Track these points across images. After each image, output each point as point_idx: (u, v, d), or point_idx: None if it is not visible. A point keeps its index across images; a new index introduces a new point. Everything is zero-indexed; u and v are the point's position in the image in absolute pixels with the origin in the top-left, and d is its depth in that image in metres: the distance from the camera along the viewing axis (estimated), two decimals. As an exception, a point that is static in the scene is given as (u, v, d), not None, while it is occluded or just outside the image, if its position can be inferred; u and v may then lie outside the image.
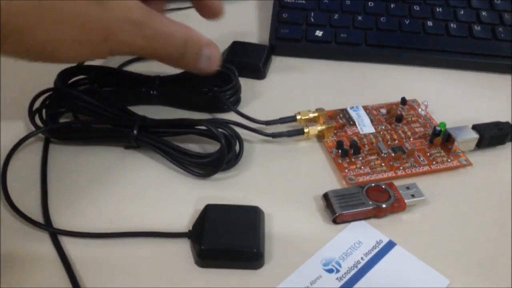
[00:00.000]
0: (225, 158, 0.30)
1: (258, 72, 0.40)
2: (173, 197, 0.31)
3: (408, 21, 0.45)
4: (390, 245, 0.28)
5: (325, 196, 0.30)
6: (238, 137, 0.32)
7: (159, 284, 0.26)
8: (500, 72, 0.42)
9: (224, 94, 0.35)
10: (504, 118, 0.36)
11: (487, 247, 0.28)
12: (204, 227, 0.27)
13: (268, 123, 0.34)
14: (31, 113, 0.33)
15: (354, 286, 0.26)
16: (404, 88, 0.40)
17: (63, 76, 0.35)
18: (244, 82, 0.38)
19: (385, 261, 0.28)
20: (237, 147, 0.32)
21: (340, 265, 0.27)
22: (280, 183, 0.32)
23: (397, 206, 0.29)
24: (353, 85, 0.40)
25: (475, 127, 0.34)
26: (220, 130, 0.31)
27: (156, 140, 0.32)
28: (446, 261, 0.28)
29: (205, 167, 0.31)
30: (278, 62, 0.43)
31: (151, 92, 0.36)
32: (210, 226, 0.27)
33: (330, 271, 0.27)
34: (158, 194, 0.31)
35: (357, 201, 0.29)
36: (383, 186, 0.30)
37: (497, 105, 0.39)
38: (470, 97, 0.40)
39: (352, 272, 0.27)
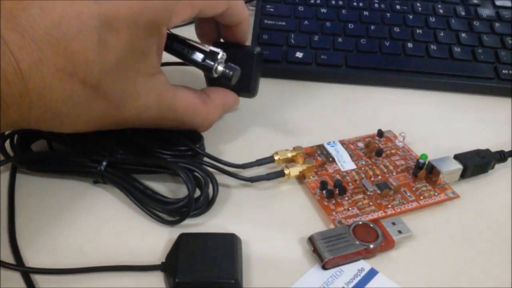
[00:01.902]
0: (192, 206, 0.29)
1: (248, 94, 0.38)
2: (146, 228, 0.30)
3: (388, 43, 0.46)
4: (372, 273, 0.28)
5: (311, 240, 0.28)
6: (212, 179, 0.31)
7: None
8: (479, 94, 0.44)
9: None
10: (482, 141, 0.36)
11: (472, 276, 0.28)
12: (178, 258, 0.26)
13: (244, 166, 0.33)
14: (1, 139, 0.32)
15: None
16: (383, 112, 0.41)
17: None
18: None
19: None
20: (212, 191, 0.31)
21: None
22: (261, 226, 0.30)
23: (386, 244, 0.29)
24: (333, 110, 0.41)
25: (457, 157, 0.34)
26: (190, 173, 0.29)
27: (122, 179, 0.30)
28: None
29: (171, 213, 0.30)
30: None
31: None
32: (184, 257, 0.26)
33: None
34: (130, 225, 0.30)
35: (345, 242, 0.28)
36: (370, 225, 0.29)
37: (475, 128, 0.40)
38: (448, 121, 0.40)
39: None
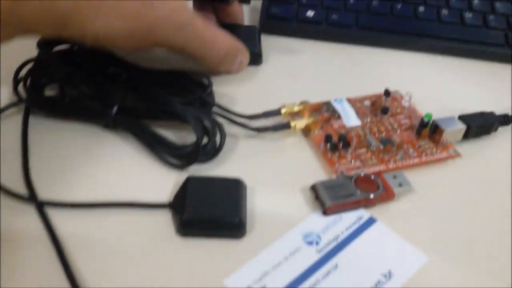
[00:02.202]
0: (199, 151, 0.30)
1: (255, 59, 0.40)
2: (154, 171, 0.31)
3: (400, 5, 0.46)
4: (370, 221, 0.29)
5: (314, 188, 0.29)
6: (220, 129, 0.31)
7: (142, 253, 0.26)
8: (488, 60, 0.44)
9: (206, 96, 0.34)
10: (488, 106, 0.37)
11: (469, 231, 0.29)
12: (186, 198, 0.27)
13: (252, 117, 0.34)
14: (16, 82, 0.33)
15: (333, 259, 0.27)
16: (391, 74, 0.41)
17: (45, 44, 0.34)
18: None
19: (365, 236, 0.28)
20: (219, 139, 0.32)
21: (320, 238, 0.28)
22: (265, 175, 0.31)
23: (386, 195, 0.30)
24: (341, 70, 0.41)
25: (461, 118, 0.35)
26: (199, 121, 0.30)
27: (133, 123, 0.31)
28: (426, 241, 0.28)
29: (179, 158, 0.31)
30: (267, 42, 0.43)
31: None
32: (191, 197, 0.28)
33: (309, 243, 0.28)
34: (140, 168, 0.31)
35: (347, 192, 0.29)
36: (372, 176, 0.30)
37: (482, 94, 0.40)
38: (455, 85, 0.41)
39: (332, 246, 0.27)
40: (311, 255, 0.27)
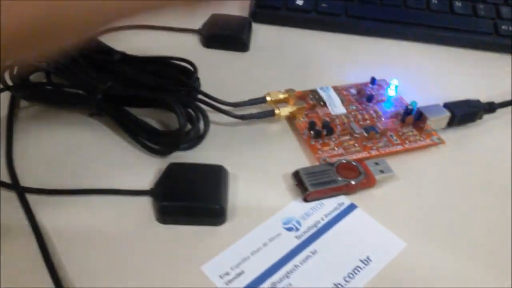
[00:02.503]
0: (182, 138, 0.30)
1: (241, 45, 0.41)
2: (137, 158, 0.31)
3: None
4: (351, 207, 0.29)
5: (296, 174, 0.30)
6: (204, 116, 0.32)
7: (121, 240, 0.27)
8: (476, 49, 0.44)
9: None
10: (474, 94, 0.37)
11: (450, 218, 0.29)
12: (167, 185, 0.28)
13: (236, 105, 0.34)
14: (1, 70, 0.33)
15: (312, 245, 0.27)
16: (379, 62, 0.41)
17: None
18: (226, 56, 0.39)
19: (345, 222, 0.28)
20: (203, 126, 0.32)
21: (300, 224, 0.28)
22: (249, 162, 0.31)
23: (367, 182, 0.30)
24: (328, 58, 0.41)
25: (446, 105, 0.35)
26: (183, 107, 0.30)
27: (116, 110, 0.31)
28: (406, 227, 0.29)
29: (162, 145, 0.31)
30: (257, 31, 0.43)
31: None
32: (172, 183, 0.28)
33: (289, 229, 0.28)
34: (123, 155, 0.31)
35: (328, 178, 0.29)
36: (353, 163, 0.30)
37: (468, 82, 0.40)
38: (443, 73, 0.41)
39: (311, 232, 0.28)
40: (290, 241, 0.27)
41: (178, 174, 0.28)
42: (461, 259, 0.27)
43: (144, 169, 0.30)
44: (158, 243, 0.27)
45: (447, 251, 0.27)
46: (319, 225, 0.28)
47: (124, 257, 0.26)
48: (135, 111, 0.32)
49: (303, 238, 0.27)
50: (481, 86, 0.40)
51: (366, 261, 0.26)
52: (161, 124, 0.33)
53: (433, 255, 0.27)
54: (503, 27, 0.44)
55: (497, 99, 0.37)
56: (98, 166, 0.31)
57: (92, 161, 0.31)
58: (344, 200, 0.30)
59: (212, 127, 0.33)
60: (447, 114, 0.34)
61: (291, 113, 0.34)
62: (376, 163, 0.31)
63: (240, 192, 0.29)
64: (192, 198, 0.27)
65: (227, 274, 0.25)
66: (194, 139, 0.31)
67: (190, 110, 0.31)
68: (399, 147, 0.33)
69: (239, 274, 0.26)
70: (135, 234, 0.27)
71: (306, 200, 0.29)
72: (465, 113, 0.35)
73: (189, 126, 0.31)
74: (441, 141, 0.33)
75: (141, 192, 0.28)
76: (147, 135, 0.31)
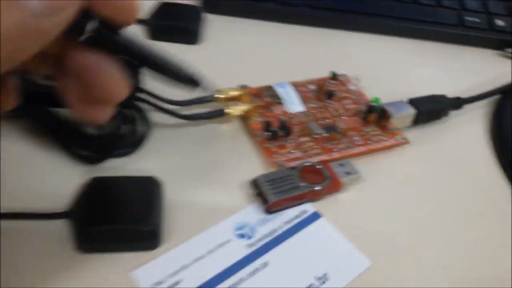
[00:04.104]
0: (115, 143, 0.27)
1: (191, 37, 0.38)
2: (61, 169, 0.27)
3: None
4: (314, 216, 0.27)
5: (255, 182, 0.27)
6: (143, 116, 0.29)
7: (33, 274, 0.23)
8: (441, 41, 0.43)
9: None
10: (440, 89, 0.35)
11: (419, 224, 0.28)
12: (87, 205, 0.24)
13: (182, 103, 0.31)
14: None
15: (264, 256, 0.25)
16: (339, 56, 0.39)
17: None
18: (174, 48, 0.35)
19: (305, 232, 0.26)
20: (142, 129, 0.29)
21: (254, 231, 0.26)
22: (197, 169, 0.29)
23: (333, 185, 0.28)
24: (285, 52, 0.39)
25: (411, 102, 0.33)
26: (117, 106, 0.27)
27: (38, 110, 0.28)
28: (371, 240, 0.26)
29: (92, 151, 0.28)
30: (209, 22, 0.41)
31: None
32: (94, 203, 0.24)
33: (241, 236, 0.26)
34: (43, 166, 0.27)
35: (291, 185, 0.27)
36: (317, 166, 0.28)
37: (433, 76, 0.39)
38: (406, 67, 0.40)
39: (266, 240, 0.26)
40: (240, 250, 0.25)
41: (101, 190, 0.25)
42: (434, 281, 0.25)
43: (68, 182, 0.27)
44: (79, 276, 0.23)
45: (418, 270, 0.26)
46: (275, 234, 0.26)
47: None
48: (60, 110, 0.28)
49: (255, 247, 0.25)
50: (446, 81, 0.39)
51: (323, 279, 0.24)
52: (98, 129, 0.30)
53: (400, 276, 0.25)
54: (468, 18, 0.43)
55: (464, 94, 0.36)
56: (12, 180, 0.26)
57: (4, 173, 0.27)
58: (307, 208, 0.27)
59: (154, 128, 0.30)
60: (412, 111, 0.33)
61: (244, 112, 0.31)
62: (341, 164, 0.29)
63: (184, 206, 0.27)
64: (117, 219, 0.24)
65: (160, 283, 0.23)
66: (132, 144, 0.28)
67: (126, 110, 0.28)
68: (362, 148, 0.31)
69: (175, 283, 0.23)
70: (50, 267, 0.23)
71: (268, 211, 0.27)
72: (430, 109, 0.33)
73: (125, 129, 0.28)
74: (405, 141, 0.32)
75: (57, 215, 0.24)
76: (73, 139, 0.27)
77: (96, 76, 0.18)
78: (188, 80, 0.22)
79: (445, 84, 0.38)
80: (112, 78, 0.18)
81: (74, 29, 0.16)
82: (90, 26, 0.17)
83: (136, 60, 0.19)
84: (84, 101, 0.19)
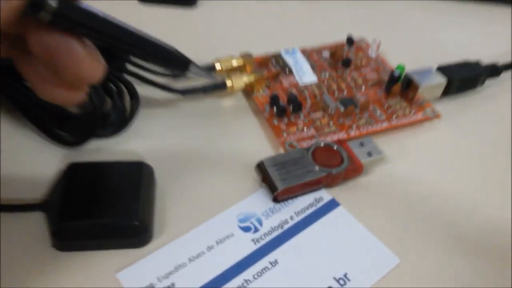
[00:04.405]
0: (97, 122, 0.23)
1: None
2: (38, 154, 0.24)
3: None
4: (331, 204, 0.23)
5: (260, 166, 0.23)
6: (130, 90, 0.25)
7: (5, 274, 0.20)
8: (474, 0, 0.39)
9: None
10: (473, 54, 0.31)
11: (452, 219, 0.23)
12: (63, 195, 0.21)
13: (175, 75, 0.27)
14: None
15: (272, 252, 0.21)
16: (356, 18, 0.35)
17: None
18: (168, 12, 0.32)
19: (321, 224, 0.23)
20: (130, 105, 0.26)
21: (261, 224, 0.22)
22: (194, 151, 0.25)
23: (352, 169, 0.24)
24: (294, 14, 0.35)
25: (440, 69, 0.29)
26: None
27: (11, 87, 0.24)
28: (400, 233, 0.22)
29: (72, 132, 0.24)
30: None
31: None
32: (71, 193, 0.21)
33: (246, 229, 0.22)
34: (19, 151, 0.24)
35: (303, 169, 0.23)
36: (334, 146, 0.24)
37: (465, 39, 0.35)
38: (434, 29, 0.36)
39: (274, 234, 0.22)
40: (245, 246, 0.21)
41: (80, 178, 0.22)
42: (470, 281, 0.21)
43: (46, 168, 0.23)
44: (56, 280, 0.20)
45: (448, 267, 0.22)
46: (286, 227, 0.22)
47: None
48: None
49: (263, 242, 0.22)
50: (481, 45, 0.34)
51: (343, 280, 0.21)
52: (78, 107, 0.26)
53: (432, 275, 0.21)
54: (501, -28, 0.39)
55: (501, 60, 0.31)
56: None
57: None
58: (323, 194, 0.24)
59: (143, 106, 0.26)
60: (442, 81, 0.28)
61: (248, 84, 0.28)
62: (361, 144, 0.25)
63: (178, 195, 0.23)
64: (99, 212, 0.20)
65: (150, 286, 0.20)
66: (118, 122, 0.24)
67: (111, 84, 0.24)
68: (385, 124, 0.27)
69: (168, 287, 0.20)
70: (23, 267, 0.20)
71: (276, 200, 0.23)
72: (463, 78, 0.29)
73: (110, 105, 0.24)
74: (435, 115, 0.28)
75: (31, 206, 0.21)
76: (51, 118, 0.24)
77: (60, 58, 0.16)
78: (173, 62, 0.19)
79: (479, 48, 0.34)
80: (81, 60, 0.16)
81: (34, 7, 0.14)
82: (51, 2, 0.14)
83: (107, 41, 0.16)
84: (51, 84, 0.17)
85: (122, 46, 0.17)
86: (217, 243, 0.21)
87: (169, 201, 0.23)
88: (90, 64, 0.16)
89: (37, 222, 0.21)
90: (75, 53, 0.16)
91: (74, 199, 0.21)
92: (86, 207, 0.21)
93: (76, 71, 0.16)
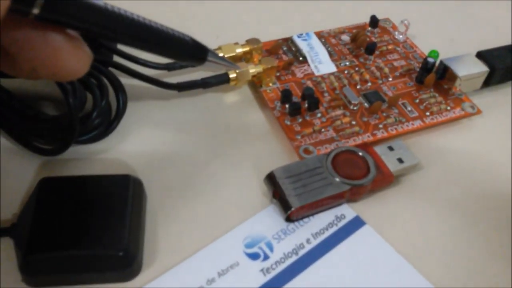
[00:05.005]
0: (75, 126, 0.20)
1: None
2: (13, 165, 0.21)
3: None
4: (355, 223, 0.20)
5: (270, 178, 0.20)
6: (116, 87, 0.22)
7: None
8: None
9: None
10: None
11: (498, 239, 0.20)
12: (34, 218, 0.18)
13: (170, 67, 0.24)
14: None
15: (287, 285, 0.18)
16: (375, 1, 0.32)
17: None
18: None
19: (344, 248, 0.19)
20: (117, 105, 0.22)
21: (271, 249, 0.19)
22: (191, 157, 0.22)
23: (381, 180, 0.21)
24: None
25: (481, 56, 0.25)
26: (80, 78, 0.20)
27: None
28: (436, 259, 0.19)
29: (50, 138, 0.21)
30: None
31: None
32: (44, 216, 0.18)
33: (254, 256, 0.19)
34: None
35: (321, 181, 0.20)
36: (359, 152, 0.21)
37: (509, 17, 0.31)
38: (471, 7, 0.32)
39: (288, 262, 0.19)
40: (253, 278, 0.18)
41: (55, 197, 0.18)
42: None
43: (20, 181, 0.20)
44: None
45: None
46: (302, 252, 0.19)
47: None
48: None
49: (274, 273, 0.19)
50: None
51: (373, 319, 0.18)
52: (54, 106, 0.23)
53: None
54: None
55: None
56: None
57: None
58: (345, 211, 0.20)
59: (131, 104, 0.23)
60: (484, 69, 0.25)
61: (255, 77, 0.24)
62: (391, 148, 0.22)
63: (173, 215, 0.20)
64: (77, 241, 0.17)
65: None
66: (102, 126, 0.21)
67: (93, 79, 0.21)
68: (418, 123, 0.23)
69: None
70: None
71: (290, 220, 0.20)
72: (508, 65, 0.25)
73: (93, 105, 0.21)
74: (476, 111, 0.24)
75: None
76: (24, 124, 0.20)
77: (38, 54, 0.14)
78: (190, 53, 0.16)
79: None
80: (62, 54, 0.14)
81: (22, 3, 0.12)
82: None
83: (105, 35, 0.14)
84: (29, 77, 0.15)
85: (128, 40, 0.15)
86: (219, 274, 0.18)
87: (162, 222, 0.19)
88: (73, 56, 0.14)
89: (6, 249, 0.18)
90: (56, 48, 0.14)
91: (46, 223, 0.18)
92: (61, 233, 0.18)
93: (56, 67, 0.14)
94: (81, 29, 0.14)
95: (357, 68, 0.26)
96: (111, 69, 0.23)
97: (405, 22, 0.28)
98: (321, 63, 0.26)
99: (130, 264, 0.18)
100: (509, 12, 0.32)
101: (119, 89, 0.22)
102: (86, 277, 0.18)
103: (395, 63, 0.26)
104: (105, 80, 0.22)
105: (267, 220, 0.20)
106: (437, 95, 0.25)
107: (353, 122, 0.23)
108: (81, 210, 0.18)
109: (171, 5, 0.30)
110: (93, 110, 0.21)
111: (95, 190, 0.19)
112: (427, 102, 0.24)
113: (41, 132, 0.21)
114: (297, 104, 0.23)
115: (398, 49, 0.27)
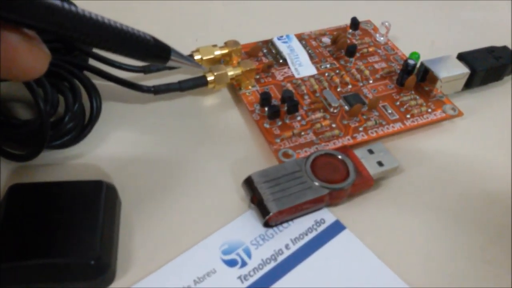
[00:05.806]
0: (46, 132, 0.20)
1: None
2: None
3: None
4: (336, 228, 0.20)
5: (248, 183, 0.20)
6: (91, 92, 0.21)
7: None
8: None
9: None
10: (500, 37, 0.28)
11: (481, 244, 0.20)
12: (2, 226, 0.18)
13: (146, 70, 0.24)
14: None
15: None
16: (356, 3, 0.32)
17: None
18: None
19: (324, 253, 0.19)
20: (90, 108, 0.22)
21: (249, 255, 0.19)
22: (167, 165, 0.21)
23: (361, 183, 0.20)
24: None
25: (462, 57, 0.26)
26: (48, 78, 0.20)
27: None
28: (420, 264, 0.19)
29: (22, 143, 0.21)
30: None
31: None
32: (12, 224, 0.18)
33: (231, 263, 0.19)
34: None
35: (300, 185, 0.20)
36: (338, 155, 0.21)
37: (490, 20, 0.31)
38: (451, 9, 0.32)
39: (266, 269, 0.19)
40: (230, 285, 0.18)
41: (24, 204, 0.18)
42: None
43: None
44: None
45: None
46: (280, 258, 0.19)
47: None
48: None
49: (252, 280, 0.18)
50: (505, 25, 0.31)
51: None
52: (27, 110, 0.23)
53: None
54: None
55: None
56: None
57: None
58: (325, 215, 0.20)
59: (105, 108, 0.22)
60: (465, 71, 0.25)
61: (234, 79, 0.24)
62: (371, 151, 0.21)
63: (147, 221, 0.19)
64: (45, 250, 0.17)
65: None
66: (74, 130, 0.21)
67: (65, 82, 0.21)
68: (399, 126, 0.23)
69: None
70: None
71: (268, 225, 0.20)
72: (489, 67, 0.25)
73: (65, 109, 0.20)
74: (457, 113, 0.24)
75: None
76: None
77: None
78: (152, 53, 0.16)
79: (506, 30, 0.30)
80: (18, 53, 0.14)
81: None
82: None
83: (62, 34, 0.14)
84: None
85: (87, 39, 0.14)
86: (196, 282, 0.18)
87: (137, 229, 0.19)
88: (30, 55, 0.14)
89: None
90: (12, 47, 0.13)
91: (15, 231, 0.17)
92: (30, 242, 0.17)
93: (13, 67, 0.14)
94: (36, 28, 0.13)
95: (337, 71, 0.26)
96: (86, 72, 0.23)
97: (386, 24, 0.28)
98: (302, 65, 0.26)
99: (103, 272, 0.17)
100: (490, 13, 0.32)
101: (93, 92, 0.21)
102: (58, 286, 0.17)
103: (376, 65, 0.26)
104: (78, 83, 0.22)
105: (245, 226, 0.20)
106: (418, 97, 0.25)
107: (333, 125, 0.23)
108: (52, 218, 0.18)
109: (148, 8, 0.30)
110: (66, 114, 0.20)
111: (67, 196, 0.19)
112: (408, 104, 0.24)
113: (12, 137, 0.21)
114: (276, 107, 0.23)
115: (379, 51, 0.27)
